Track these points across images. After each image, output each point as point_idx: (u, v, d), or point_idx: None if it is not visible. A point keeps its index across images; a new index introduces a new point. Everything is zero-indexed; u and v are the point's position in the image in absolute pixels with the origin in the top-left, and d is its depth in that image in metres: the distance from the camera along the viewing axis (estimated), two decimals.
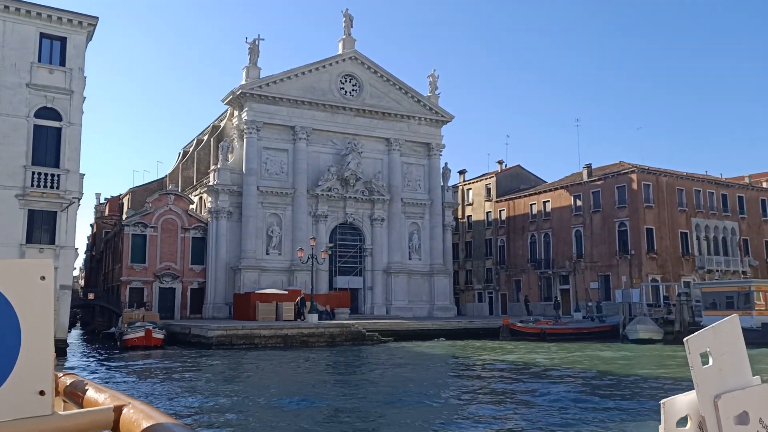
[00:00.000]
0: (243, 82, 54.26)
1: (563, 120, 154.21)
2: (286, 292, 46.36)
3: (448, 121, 62.17)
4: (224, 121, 60.66)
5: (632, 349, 34.59)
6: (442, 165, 62.45)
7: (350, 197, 56.65)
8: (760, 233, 57.48)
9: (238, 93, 53.82)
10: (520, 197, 63.33)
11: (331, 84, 57.79)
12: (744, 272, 53.44)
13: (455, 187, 71.60)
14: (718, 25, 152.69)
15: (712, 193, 55.21)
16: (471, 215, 69.82)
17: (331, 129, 57.21)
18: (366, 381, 21.85)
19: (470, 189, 70.39)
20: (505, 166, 71.09)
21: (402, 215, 59.28)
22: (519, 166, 69.51)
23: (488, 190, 67.67)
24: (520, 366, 27.02)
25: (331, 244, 55.81)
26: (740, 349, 1.61)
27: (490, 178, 67.75)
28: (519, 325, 40.45)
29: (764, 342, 33.16)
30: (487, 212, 67.25)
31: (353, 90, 58.86)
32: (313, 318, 36.44)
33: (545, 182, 66.39)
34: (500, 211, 65.58)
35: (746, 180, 59.94)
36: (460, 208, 70.62)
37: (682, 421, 1.54)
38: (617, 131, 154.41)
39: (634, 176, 51.94)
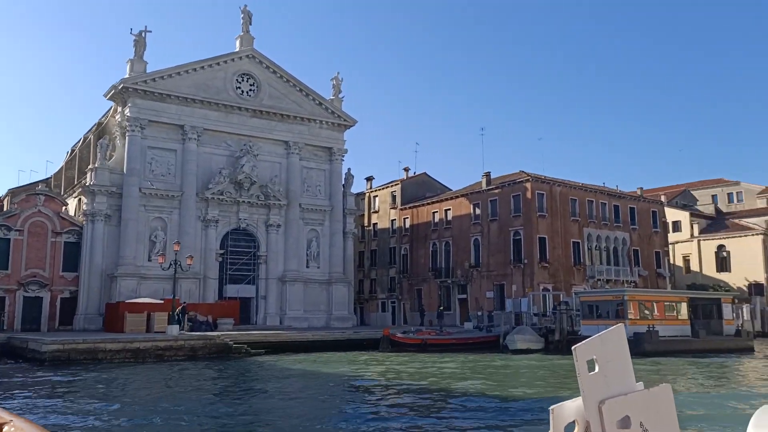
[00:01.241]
0: (126, 75, 50.93)
1: (471, 128, 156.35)
2: (162, 302, 43.18)
3: (351, 126, 60.68)
4: (108, 118, 56.86)
5: (507, 359, 33.75)
6: (345, 170, 60.88)
7: (244, 202, 54.03)
8: (650, 244, 58.84)
9: (119, 87, 50.37)
10: (423, 205, 62.49)
11: (226, 82, 55.15)
12: (633, 282, 54.38)
13: (362, 194, 70.22)
14: (622, 42, 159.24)
15: (605, 203, 56.03)
16: (377, 223, 68.49)
17: (225, 130, 54.50)
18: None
19: (377, 196, 69.10)
20: (414, 173, 70.33)
21: (300, 221, 57.15)
22: (425, 173, 68.84)
23: (393, 198, 66.57)
24: (378, 379, 25.40)
25: (221, 251, 53.05)
26: (625, 357, 1.65)
27: (396, 185, 66.70)
28: (399, 335, 39.01)
29: (637, 351, 33.08)
30: (392, 220, 66.09)
31: (251, 90, 56.43)
32: (173, 330, 33.68)
33: (451, 190, 65.95)
34: (404, 218, 64.53)
35: (638, 192, 61.40)
36: (366, 215, 69.22)
37: (570, 426, 1.60)
38: (521, 141, 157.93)
39: (528, 185, 51.93)
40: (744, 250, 68.02)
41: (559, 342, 38.37)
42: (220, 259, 52.88)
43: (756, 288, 67.27)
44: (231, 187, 53.55)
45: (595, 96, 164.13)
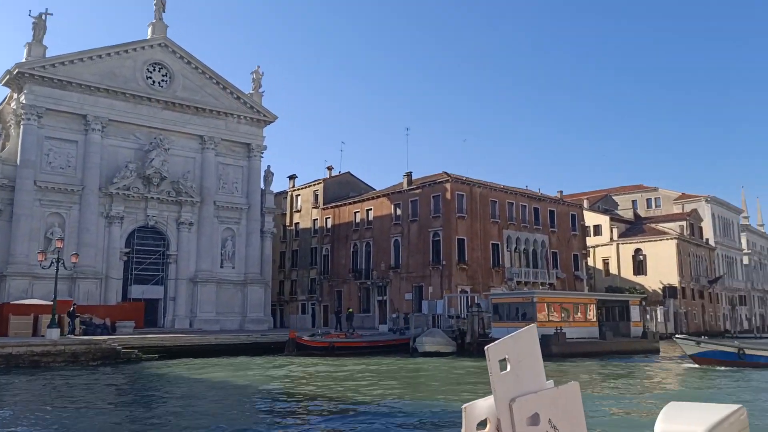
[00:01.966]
0: (23, 60, 47.20)
1: (398, 129, 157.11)
2: (51, 303, 39.89)
3: (272, 122, 58.57)
4: (3, 105, 52.66)
5: (413, 363, 32.69)
6: (265, 167, 58.69)
7: (153, 198, 51.02)
8: (569, 247, 59.51)
9: (15, 72, 46.57)
10: (345, 205, 61.04)
11: (135, 71, 52.01)
12: (551, 284, 54.74)
13: (284, 193, 68.21)
14: (549, 49, 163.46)
15: (525, 206, 56.20)
16: (299, 222, 66.55)
17: (134, 121, 51.35)
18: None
19: (299, 195, 67.18)
20: (339, 172, 68.81)
21: (215, 219, 54.57)
22: (349, 173, 67.45)
23: (316, 197, 64.83)
24: (266, 385, 23.69)
25: (127, 250, 49.89)
26: (536, 356, 1.70)
27: (318, 184, 64.98)
28: (305, 338, 37.34)
29: (544, 353, 32.50)
30: (314, 220, 64.32)
31: (163, 80, 53.47)
32: (53, 333, 30.86)
33: (375, 190, 64.82)
34: (326, 218, 62.90)
35: (558, 195, 62.07)
36: (288, 214, 67.20)
37: (482, 424, 1.62)
38: (447, 143, 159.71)
39: (448, 186, 51.33)
40: (659, 254, 70.14)
41: (469, 345, 37.69)
42: (125, 258, 49.76)
43: (670, 290, 69.43)
44: (139, 182, 50.51)
45: (522, 103, 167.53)
